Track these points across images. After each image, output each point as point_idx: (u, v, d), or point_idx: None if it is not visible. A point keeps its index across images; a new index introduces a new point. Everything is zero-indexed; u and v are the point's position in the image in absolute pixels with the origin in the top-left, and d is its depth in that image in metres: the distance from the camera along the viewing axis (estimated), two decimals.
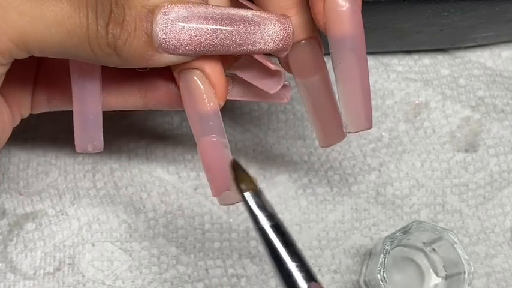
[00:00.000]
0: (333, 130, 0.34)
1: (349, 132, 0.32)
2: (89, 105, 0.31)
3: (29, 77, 0.33)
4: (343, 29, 0.30)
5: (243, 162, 0.42)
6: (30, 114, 0.34)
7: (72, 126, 0.42)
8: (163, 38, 0.28)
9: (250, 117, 0.43)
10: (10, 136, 0.33)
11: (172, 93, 0.32)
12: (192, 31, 0.28)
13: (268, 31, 0.29)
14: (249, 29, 0.29)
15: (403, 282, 0.40)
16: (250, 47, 0.29)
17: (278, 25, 0.30)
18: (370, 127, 0.32)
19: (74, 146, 0.41)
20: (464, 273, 0.36)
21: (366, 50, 0.31)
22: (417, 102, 0.44)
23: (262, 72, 0.32)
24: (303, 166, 0.42)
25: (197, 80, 0.30)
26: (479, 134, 0.43)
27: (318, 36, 0.32)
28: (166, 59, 0.29)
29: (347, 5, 0.30)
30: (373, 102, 0.44)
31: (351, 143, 0.43)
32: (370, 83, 0.44)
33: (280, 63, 0.33)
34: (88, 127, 0.32)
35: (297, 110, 0.43)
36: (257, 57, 0.31)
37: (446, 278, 0.39)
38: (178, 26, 0.28)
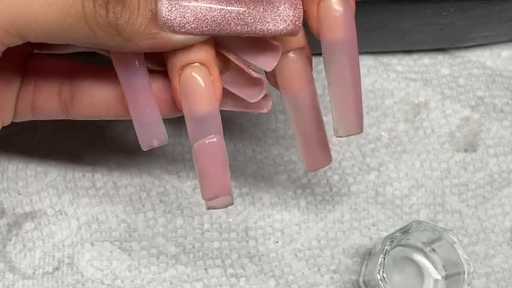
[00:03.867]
0: (319, 153, 0.34)
1: (340, 137, 0.32)
2: (142, 99, 0.30)
3: (14, 84, 0.32)
4: (337, 33, 0.30)
5: (242, 162, 0.42)
6: (12, 122, 0.33)
7: (72, 126, 0.42)
8: (167, 15, 0.27)
9: (249, 117, 0.43)
10: (8, 136, 0.33)
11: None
12: (198, 8, 0.28)
13: (278, 11, 0.28)
14: (258, 7, 0.28)
15: (403, 282, 0.40)
16: (259, 26, 0.28)
17: (288, 5, 0.28)
18: (361, 131, 0.31)
19: (73, 145, 0.42)
20: (464, 273, 0.36)
21: (358, 55, 0.31)
22: (417, 102, 0.44)
23: (244, 81, 0.31)
24: (303, 166, 0.42)
25: (199, 77, 0.29)
26: (479, 134, 0.43)
27: (307, 47, 0.32)
28: (173, 38, 0.28)
29: (341, 9, 0.30)
30: (372, 102, 0.44)
31: (350, 143, 0.42)
32: (370, 83, 0.44)
33: (267, 78, 0.33)
34: (148, 121, 0.31)
35: None
36: (240, 64, 0.30)
37: (446, 278, 0.39)
38: (184, 2, 0.27)
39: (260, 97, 0.31)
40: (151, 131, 0.31)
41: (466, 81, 0.44)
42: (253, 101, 0.31)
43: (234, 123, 0.43)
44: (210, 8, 0.28)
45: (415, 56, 0.45)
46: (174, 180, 0.41)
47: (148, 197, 0.41)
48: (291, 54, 0.31)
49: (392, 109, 0.43)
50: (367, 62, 0.44)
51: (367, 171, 0.42)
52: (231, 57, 0.30)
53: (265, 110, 0.32)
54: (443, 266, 0.39)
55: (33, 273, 0.39)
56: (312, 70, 0.32)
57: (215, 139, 0.30)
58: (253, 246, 0.40)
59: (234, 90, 0.31)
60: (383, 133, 0.43)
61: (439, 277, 0.39)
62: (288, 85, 0.32)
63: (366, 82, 0.44)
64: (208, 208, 0.31)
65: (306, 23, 0.31)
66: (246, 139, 0.42)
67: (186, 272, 0.40)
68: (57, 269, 0.39)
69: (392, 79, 0.44)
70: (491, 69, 0.45)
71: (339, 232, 0.41)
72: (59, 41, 0.27)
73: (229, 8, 0.28)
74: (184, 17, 0.28)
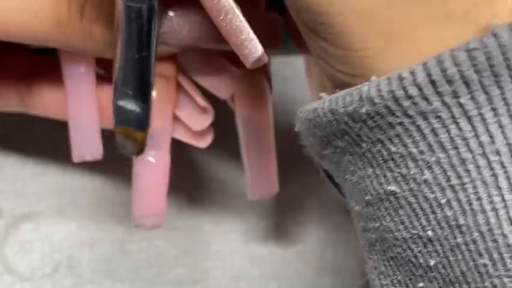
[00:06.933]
0: (264, 180, 0.33)
1: None
2: (83, 106, 0.30)
3: None
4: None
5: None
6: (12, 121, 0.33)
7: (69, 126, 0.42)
8: None
9: None
10: (5, 135, 0.33)
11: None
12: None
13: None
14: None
15: None
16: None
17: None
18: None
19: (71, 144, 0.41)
20: None
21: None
22: None
23: (190, 108, 0.30)
24: (305, 166, 0.42)
25: (155, 90, 0.28)
26: None
27: (267, 70, 0.31)
28: None
29: None
30: None
31: None
32: None
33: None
34: (84, 131, 0.30)
35: (298, 109, 0.43)
36: (190, 91, 0.30)
37: None
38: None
39: (205, 126, 0.30)
40: (85, 143, 0.30)
41: None
42: (197, 129, 0.30)
43: (235, 123, 0.42)
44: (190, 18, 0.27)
45: None
46: (173, 180, 0.41)
47: None
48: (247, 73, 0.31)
49: None
50: None
51: None
52: (183, 83, 0.30)
53: (202, 145, 0.32)
54: None
55: (31, 275, 0.39)
56: (270, 93, 0.32)
57: (157, 157, 0.29)
58: (254, 249, 0.40)
59: (182, 116, 0.30)
60: None
61: None
62: (240, 104, 0.32)
63: None
64: (136, 225, 0.30)
65: None
66: None
67: (187, 274, 0.39)
68: (55, 270, 0.39)
69: None
70: None
71: (342, 234, 0.41)
72: (34, 41, 0.27)
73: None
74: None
